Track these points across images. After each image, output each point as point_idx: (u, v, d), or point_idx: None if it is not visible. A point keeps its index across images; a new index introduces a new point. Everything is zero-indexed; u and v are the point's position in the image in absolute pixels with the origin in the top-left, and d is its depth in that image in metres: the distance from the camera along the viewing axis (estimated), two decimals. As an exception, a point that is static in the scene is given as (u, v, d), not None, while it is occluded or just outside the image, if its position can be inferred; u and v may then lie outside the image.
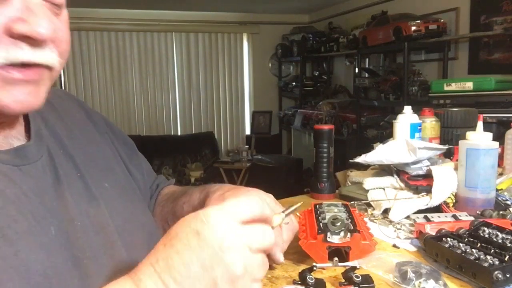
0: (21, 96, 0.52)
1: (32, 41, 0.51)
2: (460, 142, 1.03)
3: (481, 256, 0.71)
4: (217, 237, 0.46)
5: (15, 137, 0.59)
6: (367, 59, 4.59)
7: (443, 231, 0.83)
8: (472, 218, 0.91)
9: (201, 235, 0.47)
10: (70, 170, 0.64)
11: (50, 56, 0.53)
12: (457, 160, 1.07)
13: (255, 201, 0.51)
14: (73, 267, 0.54)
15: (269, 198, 0.75)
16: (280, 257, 0.71)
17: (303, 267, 0.77)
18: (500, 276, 0.65)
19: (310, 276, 0.69)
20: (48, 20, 0.52)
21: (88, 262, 0.57)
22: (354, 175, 1.32)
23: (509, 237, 0.77)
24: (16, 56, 0.50)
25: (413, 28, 3.35)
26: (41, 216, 0.54)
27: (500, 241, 0.76)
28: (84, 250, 0.57)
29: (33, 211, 0.54)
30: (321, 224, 0.82)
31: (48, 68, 0.54)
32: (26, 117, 0.63)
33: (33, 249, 0.51)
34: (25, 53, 0.50)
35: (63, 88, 5.07)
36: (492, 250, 0.73)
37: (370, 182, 1.16)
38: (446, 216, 0.93)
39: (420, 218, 0.94)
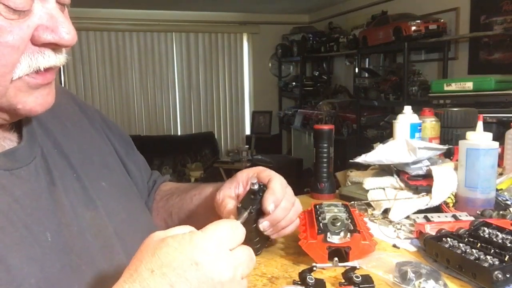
0: (43, 98, 0.55)
1: (57, 47, 0.52)
2: (460, 142, 1.03)
3: (481, 256, 0.71)
4: (218, 271, 0.45)
5: (7, 139, 0.58)
6: (367, 59, 4.59)
7: (443, 231, 0.83)
8: (472, 218, 0.91)
9: (200, 266, 0.44)
10: (65, 171, 0.62)
11: (65, 58, 0.55)
12: (457, 160, 1.07)
13: (235, 225, 0.50)
14: (71, 274, 0.53)
15: (288, 187, 0.78)
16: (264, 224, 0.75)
17: (303, 267, 0.77)
18: (500, 276, 0.65)
19: (310, 276, 0.68)
20: (70, 24, 0.53)
21: (86, 267, 0.55)
22: (354, 175, 1.32)
23: (509, 237, 0.77)
24: (38, 64, 0.51)
25: (413, 28, 3.35)
26: (35, 222, 0.53)
27: (500, 241, 0.76)
28: (82, 255, 0.56)
29: (26, 219, 0.52)
30: (321, 224, 0.82)
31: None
32: None
33: (25, 263, 0.49)
34: (47, 60, 0.52)
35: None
36: (492, 250, 0.73)
37: (370, 182, 1.16)
38: (446, 216, 0.93)
39: (420, 218, 0.93)
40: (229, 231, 0.49)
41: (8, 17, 0.47)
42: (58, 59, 0.54)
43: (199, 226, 0.50)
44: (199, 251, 0.45)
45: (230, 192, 0.78)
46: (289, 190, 0.78)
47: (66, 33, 0.51)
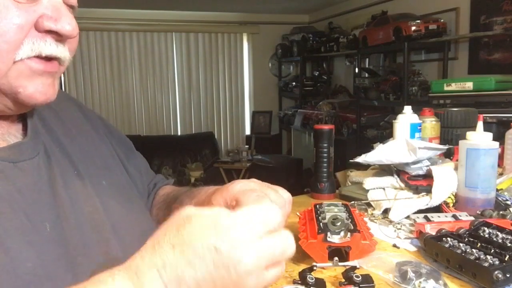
0: (44, 87, 0.56)
1: (58, 37, 0.55)
2: (460, 142, 1.03)
3: (481, 256, 0.71)
4: (237, 259, 0.43)
5: (12, 135, 0.60)
6: (367, 59, 4.59)
7: (443, 231, 0.83)
8: (472, 218, 0.91)
9: (219, 251, 0.43)
10: (67, 168, 0.64)
11: (66, 52, 0.58)
12: (457, 160, 1.08)
13: (275, 209, 0.47)
14: (66, 265, 0.54)
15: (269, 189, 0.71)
16: None
17: (303, 266, 0.77)
18: (500, 276, 0.65)
19: (310, 276, 0.69)
20: (72, 19, 0.56)
21: (82, 259, 0.57)
22: (354, 175, 1.32)
23: (509, 237, 0.77)
24: (40, 50, 0.54)
25: (413, 28, 3.35)
26: (35, 213, 0.55)
27: (500, 241, 0.76)
28: (78, 247, 0.57)
29: (26, 208, 0.54)
30: (321, 224, 0.82)
31: (60, 63, 0.58)
32: (23, 115, 0.63)
33: (23, 247, 0.51)
34: (49, 48, 0.55)
35: (63, 88, 5.07)
36: (492, 250, 0.73)
37: (370, 182, 1.16)
38: (446, 216, 0.94)
39: (420, 218, 0.94)
40: (261, 217, 0.45)
41: (17, 0, 0.51)
42: (59, 50, 0.56)
43: None
44: (220, 236, 0.43)
45: None
46: (270, 191, 0.70)
47: (68, 23, 0.55)
